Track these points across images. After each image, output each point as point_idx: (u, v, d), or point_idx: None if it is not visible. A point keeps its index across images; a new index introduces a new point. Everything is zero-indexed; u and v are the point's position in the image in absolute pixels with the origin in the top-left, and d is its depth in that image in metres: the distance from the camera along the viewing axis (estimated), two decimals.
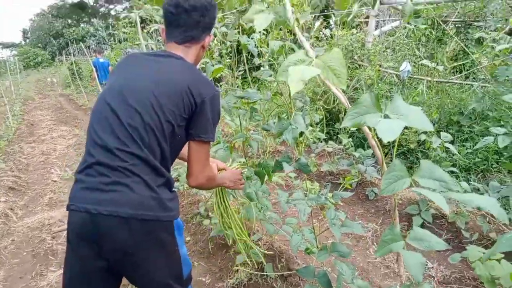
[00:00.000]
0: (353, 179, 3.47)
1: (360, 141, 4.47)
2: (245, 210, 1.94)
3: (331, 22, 7.50)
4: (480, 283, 2.29)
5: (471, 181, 3.34)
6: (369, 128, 1.24)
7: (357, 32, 6.23)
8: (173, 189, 1.30)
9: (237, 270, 2.33)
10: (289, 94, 1.58)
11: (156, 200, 1.18)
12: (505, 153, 3.53)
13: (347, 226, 1.72)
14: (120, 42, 12.16)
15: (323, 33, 6.79)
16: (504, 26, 4.82)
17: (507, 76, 4.27)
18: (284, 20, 1.40)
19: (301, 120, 1.43)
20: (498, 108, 3.94)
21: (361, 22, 7.39)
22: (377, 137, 1.14)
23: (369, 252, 2.73)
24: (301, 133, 1.56)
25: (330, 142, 4.02)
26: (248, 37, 1.95)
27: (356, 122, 0.97)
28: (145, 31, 3.20)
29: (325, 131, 4.52)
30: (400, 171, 1.01)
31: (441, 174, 1.02)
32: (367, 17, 6.58)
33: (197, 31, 1.35)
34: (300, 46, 1.43)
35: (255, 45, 1.91)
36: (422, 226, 2.89)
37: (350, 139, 3.85)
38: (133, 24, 4.86)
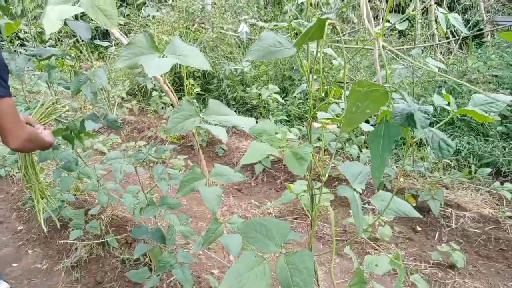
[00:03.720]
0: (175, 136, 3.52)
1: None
2: (60, 180, 1.78)
3: None
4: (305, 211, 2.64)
5: (303, 127, 3.74)
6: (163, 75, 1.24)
7: None
8: None
9: (77, 248, 2.17)
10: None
11: None
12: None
13: (175, 179, 1.74)
14: None
15: None
16: None
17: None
18: None
19: (101, 73, 1.34)
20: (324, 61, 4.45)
21: None
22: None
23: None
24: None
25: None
26: None
27: (130, 63, 0.94)
28: None
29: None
30: (189, 111, 1.03)
31: (225, 109, 1.08)
32: None
33: None
34: None
35: None
36: (264, 170, 3.15)
37: (195, 100, 3.88)
38: None
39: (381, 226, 2.31)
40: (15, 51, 1.38)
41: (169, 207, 1.69)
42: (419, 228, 2.59)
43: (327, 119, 1.24)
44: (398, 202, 1.00)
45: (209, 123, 1.04)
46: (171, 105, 4.21)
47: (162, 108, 4.27)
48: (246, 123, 0.98)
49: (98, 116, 1.45)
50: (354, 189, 1.01)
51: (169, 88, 1.12)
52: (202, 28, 5.52)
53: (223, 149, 3.70)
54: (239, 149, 3.56)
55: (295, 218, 2.59)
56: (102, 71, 1.31)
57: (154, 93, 4.38)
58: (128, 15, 6.05)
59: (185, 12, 5.44)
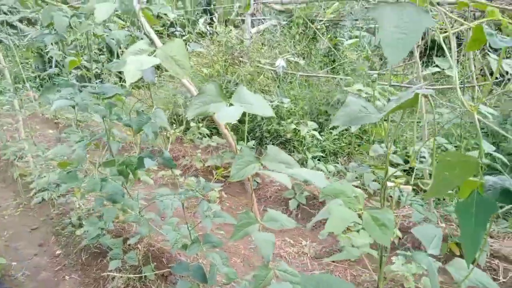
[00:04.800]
0: (223, 171, 3.56)
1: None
2: (104, 211, 1.83)
3: (214, 19, 7.58)
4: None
5: (338, 163, 3.70)
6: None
7: (236, 30, 6.40)
8: None
9: (114, 278, 2.19)
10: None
11: None
12: (364, 137, 4.00)
13: (220, 216, 1.75)
14: None
15: (207, 29, 6.84)
16: (365, 26, 5.44)
17: (361, 69, 4.86)
18: (130, 10, 1.34)
19: (161, 114, 1.40)
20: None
21: (240, 20, 7.62)
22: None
23: (251, 238, 2.84)
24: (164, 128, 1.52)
25: (214, 137, 4.06)
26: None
27: (201, 111, 0.98)
28: None
29: (211, 127, 4.56)
30: (249, 157, 1.06)
31: (285, 156, 1.10)
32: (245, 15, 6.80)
33: None
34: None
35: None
36: (298, 207, 3.12)
37: (232, 132, 3.94)
38: None
39: (424, 276, 2.20)
40: (79, 85, 1.47)
41: (212, 246, 1.70)
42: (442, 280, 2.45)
43: (401, 181, 1.24)
44: (476, 272, 0.95)
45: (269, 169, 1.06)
46: (207, 135, 4.29)
47: (199, 138, 4.35)
48: (317, 178, 0.99)
49: (154, 154, 1.50)
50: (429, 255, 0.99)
51: (228, 131, 1.15)
52: (240, 62, 5.68)
53: (257, 182, 3.70)
54: (273, 183, 3.55)
55: (333, 261, 2.52)
56: (162, 112, 1.36)
57: (192, 123, 4.49)
58: None
59: (224, 46, 5.64)
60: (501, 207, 0.78)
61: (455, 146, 3.12)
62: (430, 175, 2.87)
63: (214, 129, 4.80)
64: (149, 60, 0.95)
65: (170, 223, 2.25)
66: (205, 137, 4.28)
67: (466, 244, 0.78)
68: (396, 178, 2.00)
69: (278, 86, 5.38)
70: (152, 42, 1.29)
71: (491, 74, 5.18)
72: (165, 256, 2.38)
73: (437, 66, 2.88)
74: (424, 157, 2.29)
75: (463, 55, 5.18)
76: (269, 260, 1.18)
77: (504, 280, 2.32)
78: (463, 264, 1.06)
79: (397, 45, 0.63)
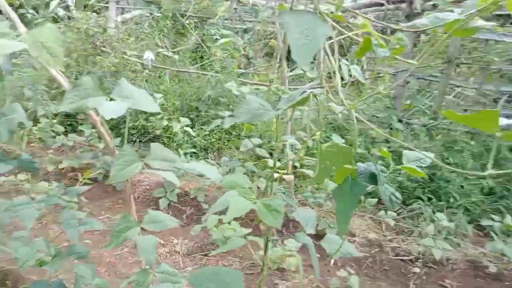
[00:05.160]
0: (91, 173, 3.32)
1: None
2: None
3: (69, 2, 6.83)
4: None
5: (209, 159, 3.80)
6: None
7: (98, 17, 5.92)
8: None
9: None
10: None
11: None
12: (234, 132, 4.20)
13: (86, 224, 1.63)
14: None
15: (64, 14, 6.16)
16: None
17: (232, 68, 5.05)
18: None
19: (19, 108, 1.22)
20: (228, 94, 4.61)
21: (102, 7, 7.06)
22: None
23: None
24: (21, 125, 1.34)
25: (71, 135, 3.70)
26: None
27: (77, 106, 0.90)
28: None
29: (64, 123, 4.15)
30: (131, 156, 1.02)
31: (169, 154, 1.09)
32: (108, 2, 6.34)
33: None
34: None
35: None
36: (169, 205, 3.10)
37: (93, 130, 3.66)
38: None
39: (289, 257, 2.45)
40: None
41: (79, 257, 1.58)
42: (318, 255, 2.81)
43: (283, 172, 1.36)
44: (345, 244, 1.12)
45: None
46: (63, 133, 3.87)
47: (51, 136, 3.87)
48: (210, 172, 1.02)
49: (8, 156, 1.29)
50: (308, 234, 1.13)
51: (107, 130, 1.09)
52: (103, 52, 5.29)
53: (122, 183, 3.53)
54: (141, 182, 3.43)
55: (205, 255, 2.59)
56: (20, 106, 1.18)
57: (44, 120, 3.97)
58: None
59: (84, 34, 5.16)
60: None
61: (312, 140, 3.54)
62: (294, 166, 3.20)
63: (70, 126, 4.36)
64: (14, 44, 0.82)
65: (18, 239, 1.98)
66: (59, 135, 3.86)
67: (341, 220, 0.93)
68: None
69: (146, 80, 5.20)
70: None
71: (350, 76, 5.98)
72: (10, 277, 2.10)
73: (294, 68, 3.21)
74: (283, 150, 2.54)
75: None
76: (152, 263, 1.17)
77: None
78: (334, 239, 1.24)
79: (303, 50, 0.70)
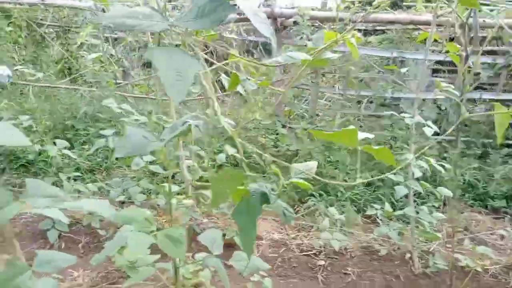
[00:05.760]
0: None
1: None
2: None
3: None
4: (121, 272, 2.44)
5: (97, 181, 3.46)
6: None
7: None
8: None
9: None
10: None
11: None
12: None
13: None
14: None
15: None
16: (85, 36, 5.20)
17: (107, 81, 4.72)
18: None
19: None
20: (106, 110, 4.27)
21: None
22: None
23: None
24: None
25: None
26: None
27: None
28: None
29: None
30: (5, 197, 0.87)
31: (50, 189, 0.96)
32: None
33: None
34: None
35: None
36: (60, 236, 2.73)
37: None
38: None
39: (201, 271, 2.40)
40: None
41: None
42: (228, 263, 2.82)
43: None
44: (253, 259, 1.14)
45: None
46: None
47: None
48: (101, 208, 0.94)
49: None
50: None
51: None
52: None
53: None
54: (21, 215, 2.94)
55: (112, 283, 2.35)
56: None
57: None
58: None
59: None
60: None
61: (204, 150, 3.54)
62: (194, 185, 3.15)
63: None
64: None
65: None
66: None
67: (244, 240, 0.95)
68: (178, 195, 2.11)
69: (6, 99, 4.46)
70: None
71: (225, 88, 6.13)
72: None
73: None
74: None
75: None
76: None
77: (258, 254, 2.83)
78: (242, 256, 1.29)
79: (176, 87, 0.70)
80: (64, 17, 6.27)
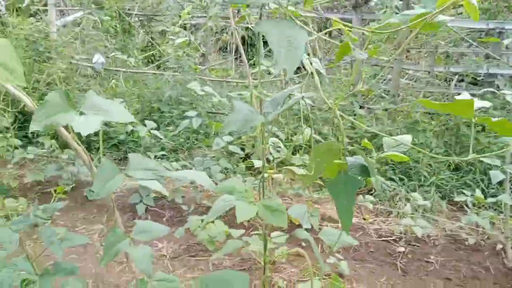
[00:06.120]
0: (66, 186, 3.11)
1: (66, 141, 4.05)
2: None
3: (0, 8, 6.28)
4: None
5: (180, 160, 3.69)
6: (68, 130, 1.10)
7: (37, 21, 5.49)
8: None
9: None
10: None
11: None
12: (201, 131, 4.11)
13: (68, 239, 1.52)
14: None
15: None
16: (179, 21, 5.47)
17: (189, 66, 4.92)
18: None
19: None
20: (188, 93, 4.49)
21: (39, 10, 6.56)
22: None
23: (100, 254, 2.56)
24: None
25: (30, 148, 3.42)
26: None
27: (47, 123, 0.82)
28: None
29: (20, 136, 3.84)
30: (111, 170, 0.96)
31: (149, 163, 1.03)
32: (46, 4, 5.90)
33: None
34: None
35: None
36: (146, 210, 2.97)
37: (54, 141, 3.41)
38: None
39: (276, 249, 2.44)
40: None
41: (67, 274, 1.46)
42: (304, 244, 2.83)
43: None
44: (343, 235, 1.13)
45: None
46: (20, 146, 3.58)
47: (8, 151, 3.59)
48: (201, 179, 0.98)
49: None
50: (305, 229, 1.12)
51: (81, 146, 1.02)
52: (49, 58, 4.92)
53: (93, 191, 3.33)
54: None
55: (193, 256, 2.52)
56: None
57: None
58: None
59: (25, 41, 4.77)
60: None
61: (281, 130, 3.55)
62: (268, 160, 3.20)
63: (25, 138, 4.05)
64: None
65: None
66: (17, 148, 3.57)
67: (342, 215, 0.93)
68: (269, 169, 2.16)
69: (99, 84, 4.93)
70: None
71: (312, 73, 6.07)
72: None
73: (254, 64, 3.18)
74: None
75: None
76: (150, 273, 1.11)
77: None
78: (331, 231, 1.27)
79: (290, 57, 0.71)
80: (149, 5, 6.66)
